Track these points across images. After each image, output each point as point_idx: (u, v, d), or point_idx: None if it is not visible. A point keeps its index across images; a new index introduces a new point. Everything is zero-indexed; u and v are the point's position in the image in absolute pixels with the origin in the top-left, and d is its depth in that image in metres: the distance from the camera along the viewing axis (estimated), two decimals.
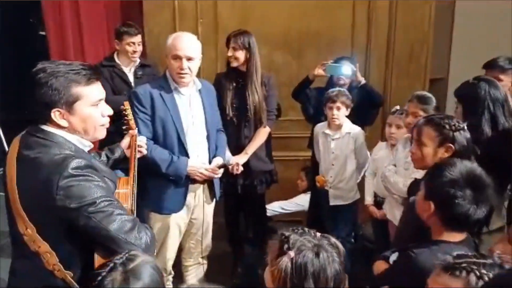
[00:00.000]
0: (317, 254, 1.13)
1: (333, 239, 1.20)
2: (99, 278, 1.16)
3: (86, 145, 1.53)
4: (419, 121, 1.91)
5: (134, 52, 3.26)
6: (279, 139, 3.59)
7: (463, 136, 1.78)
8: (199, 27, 3.63)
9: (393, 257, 1.59)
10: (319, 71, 3.03)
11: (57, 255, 1.42)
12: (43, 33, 3.20)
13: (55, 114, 1.43)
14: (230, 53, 2.80)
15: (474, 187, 1.42)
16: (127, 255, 1.22)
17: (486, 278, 1.04)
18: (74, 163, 1.37)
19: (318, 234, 1.19)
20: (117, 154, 1.96)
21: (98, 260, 1.42)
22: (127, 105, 2.05)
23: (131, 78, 3.30)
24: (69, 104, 1.43)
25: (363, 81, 3.08)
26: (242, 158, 2.84)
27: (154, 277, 1.18)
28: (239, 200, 3.05)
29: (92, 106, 1.48)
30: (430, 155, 1.80)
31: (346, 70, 3.01)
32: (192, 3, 3.62)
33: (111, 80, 3.18)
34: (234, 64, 2.81)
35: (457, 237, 1.46)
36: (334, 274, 1.14)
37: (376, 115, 3.36)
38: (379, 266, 1.63)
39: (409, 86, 3.73)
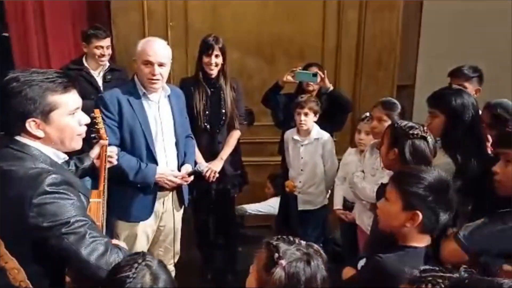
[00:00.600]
0: (307, 263, 1.18)
1: (316, 246, 1.23)
2: (129, 280, 1.18)
3: (61, 157, 1.47)
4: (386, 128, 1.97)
5: (102, 55, 3.17)
6: (250, 144, 3.60)
7: (416, 144, 1.83)
8: (169, 30, 3.59)
9: (361, 262, 1.62)
10: (288, 77, 3.06)
11: (25, 272, 1.35)
12: (5, 34, 3.07)
13: (30, 124, 1.37)
14: (212, 60, 2.75)
15: (443, 192, 1.47)
16: (146, 258, 1.24)
17: None
18: (50, 179, 1.32)
19: (303, 242, 1.22)
20: (86, 163, 1.90)
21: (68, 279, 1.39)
22: (97, 113, 1.98)
23: (99, 82, 3.21)
24: (45, 114, 1.38)
25: (331, 87, 3.12)
26: (218, 165, 2.84)
27: (169, 274, 1.25)
28: (211, 205, 3.03)
29: (69, 115, 1.43)
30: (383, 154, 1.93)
31: (314, 76, 3.04)
32: (162, 6, 3.58)
33: (78, 84, 3.07)
34: (214, 71, 2.78)
35: (424, 241, 1.49)
36: (322, 280, 1.19)
37: (345, 121, 3.40)
38: (347, 272, 1.67)
39: (378, 92, 3.80)
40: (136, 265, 1.21)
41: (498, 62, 3.63)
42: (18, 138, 1.39)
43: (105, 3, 3.55)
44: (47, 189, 1.30)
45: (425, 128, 1.89)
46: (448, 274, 1.11)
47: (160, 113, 2.39)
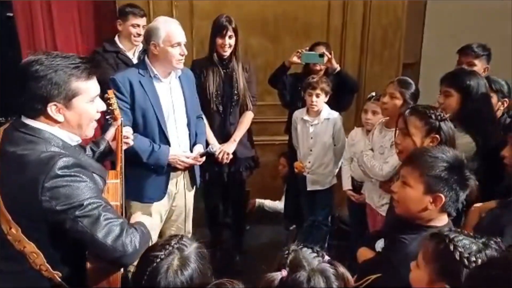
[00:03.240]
0: (308, 279, 1.07)
1: (342, 269, 1.12)
2: (158, 260, 1.20)
3: (74, 140, 1.47)
4: (404, 111, 1.94)
5: (138, 35, 3.03)
6: (255, 123, 3.58)
7: (447, 126, 1.83)
8: (174, 10, 3.54)
9: (380, 243, 1.62)
10: (294, 58, 3.05)
11: (44, 255, 1.37)
12: (10, 14, 3.01)
13: (51, 108, 1.37)
14: (226, 41, 2.73)
15: (461, 171, 1.48)
16: (181, 241, 1.26)
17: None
18: (61, 162, 1.32)
19: (327, 258, 1.13)
20: (102, 146, 1.90)
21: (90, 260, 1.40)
22: (111, 93, 1.96)
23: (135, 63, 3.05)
24: (68, 99, 1.38)
25: (338, 68, 3.12)
26: (230, 146, 2.85)
27: (202, 261, 1.25)
28: (223, 187, 3.05)
29: (90, 101, 1.44)
30: (417, 145, 1.83)
31: (321, 57, 3.03)
32: None
33: (116, 67, 2.96)
34: (227, 52, 2.76)
35: (444, 220, 1.50)
36: None
37: (351, 101, 3.41)
38: (364, 253, 1.66)
39: (383, 70, 3.81)
40: (168, 246, 1.23)
41: (504, 40, 3.62)
42: (28, 121, 1.39)
43: None
44: (59, 172, 1.30)
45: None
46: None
47: (172, 94, 2.40)
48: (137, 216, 1.69)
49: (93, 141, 1.93)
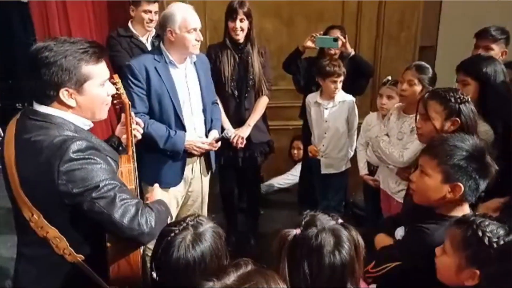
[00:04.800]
0: (317, 235, 1.13)
1: (354, 233, 1.17)
2: (172, 234, 1.23)
3: (86, 124, 1.48)
4: (424, 95, 1.91)
5: (150, 20, 3.05)
6: (269, 108, 3.56)
7: (468, 108, 1.79)
8: None
9: (400, 231, 1.61)
10: (308, 43, 3.02)
11: (66, 239, 1.39)
12: (24, 0, 3.02)
13: (63, 94, 1.38)
14: (236, 25, 2.71)
15: (481, 159, 1.45)
16: (197, 219, 1.29)
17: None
18: (75, 145, 1.33)
19: (340, 220, 1.19)
20: (112, 142, 1.87)
21: (109, 241, 1.42)
22: (116, 78, 1.93)
23: (149, 48, 3.09)
24: (80, 84, 1.39)
25: (352, 52, 3.08)
26: (245, 131, 2.85)
27: (217, 240, 1.27)
28: (238, 172, 3.07)
29: (100, 85, 1.44)
30: (437, 129, 1.81)
31: (335, 41, 2.99)
32: None
33: (130, 51, 2.99)
34: (240, 36, 2.74)
35: (465, 209, 1.49)
36: (332, 264, 1.12)
37: (366, 85, 3.37)
38: (383, 240, 1.65)
39: (399, 54, 3.76)
40: (183, 223, 1.26)
41: None
42: (40, 108, 1.40)
43: None
44: (73, 156, 1.31)
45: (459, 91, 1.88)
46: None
47: (187, 80, 2.39)
48: (156, 194, 1.70)
49: (105, 140, 1.91)
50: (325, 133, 3.01)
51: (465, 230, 1.21)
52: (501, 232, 1.17)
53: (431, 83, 2.39)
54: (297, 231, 1.15)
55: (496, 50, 2.70)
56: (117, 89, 1.91)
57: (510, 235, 1.17)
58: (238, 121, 2.88)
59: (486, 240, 1.16)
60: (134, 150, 1.83)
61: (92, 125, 1.52)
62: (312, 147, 3.08)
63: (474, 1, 3.75)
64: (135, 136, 1.92)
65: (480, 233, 1.17)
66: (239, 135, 2.82)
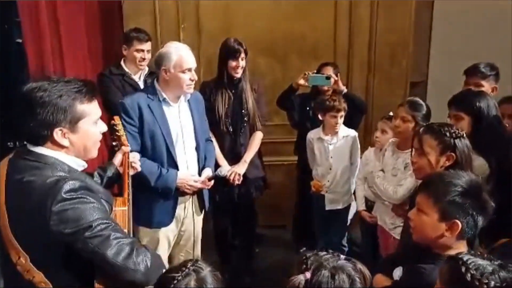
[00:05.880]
0: (332, 276, 1.11)
1: (359, 265, 1.17)
2: (175, 281, 1.23)
3: (80, 164, 1.47)
4: (419, 130, 1.91)
5: (143, 59, 3.07)
6: (264, 144, 3.57)
7: (463, 143, 1.79)
8: (181, 32, 3.57)
9: (397, 272, 1.58)
10: (301, 81, 3.06)
11: (53, 284, 1.35)
12: (19, 40, 3.04)
13: (57, 134, 1.38)
14: (239, 63, 2.77)
15: (477, 195, 1.43)
16: (196, 264, 1.29)
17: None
18: (68, 185, 1.32)
19: (342, 256, 1.17)
20: (110, 172, 1.88)
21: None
22: (117, 119, 1.97)
23: (142, 86, 3.08)
24: (74, 123, 1.40)
25: (344, 89, 3.11)
26: (242, 168, 2.84)
27: (218, 284, 1.29)
28: (233, 208, 3.02)
29: (93, 123, 1.46)
30: (432, 164, 1.80)
31: (327, 79, 3.03)
32: (173, 7, 3.54)
33: (123, 89, 2.99)
34: (239, 73, 2.79)
35: (463, 247, 1.46)
36: None
37: (360, 121, 3.39)
38: (380, 281, 1.61)
39: (391, 89, 3.78)
40: (184, 268, 1.25)
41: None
42: (33, 148, 1.39)
43: (117, 6, 3.52)
44: (65, 196, 1.30)
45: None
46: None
47: (181, 118, 2.39)
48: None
49: (101, 166, 1.92)
50: (330, 168, 3.00)
51: (451, 266, 1.19)
52: (488, 269, 1.13)
53: (425, 119, 2.40)
54: (306, 275, 1.12)
55: (486, 86, 2.71)
56: (117, 130, 1.93)
57: (495, 274, 1.12)
58: (233, 157, 2.87)
59: (468, 276, 1.12)
60: (131, 192, 1.81)
61: (86, 166, 1.51)
62: (315, 182, 3.05)
63: (463, 37, 3.83)
64: (134, 168, 1.94)
65: (463, 269, 1.14)
66: (236, 171, 2.79)
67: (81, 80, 1.46)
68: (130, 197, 1.78)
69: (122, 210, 1.64)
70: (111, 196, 1.61)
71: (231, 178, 2.78)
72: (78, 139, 1.42)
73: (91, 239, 1.31)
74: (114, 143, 1.97)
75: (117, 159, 1.95)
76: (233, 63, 2.76)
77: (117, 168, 1.93)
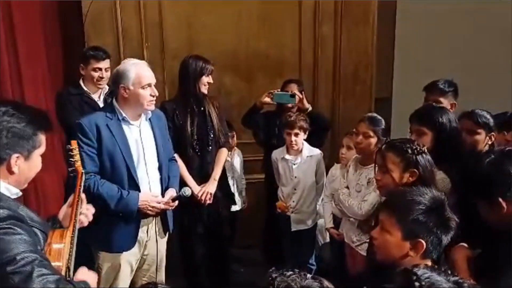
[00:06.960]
0: None
1: (326, 283, 1.12)
2: None
3: (13, 192, 1.42)
4: (381, 147, 1.92)
5: (101, 78, 2.94)
6: None
7: (425, 159, 1.80)
8: (145, 51, 3.53)
9: None
10: (266, 99, 3.06)
11: None
12: None
13: (13, 159, 1.37)
14: (210, 80, 2.78)
15: (441, 212, 1.42)
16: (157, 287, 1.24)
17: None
18: None
19: (309, 275, 1.13)
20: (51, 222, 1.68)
21: None
22: (74, 144, 1.88)
23: (101, 106, 2.93)
24: (31, 151, 1.41)
25: (309, 107, 3.12)
26: (211, 186, 2.79)
27: None
28: (204, 229, 2.92)
29: (40, 155, 1.46)
30: (396, 181, 1.80)
31: (292, 97, 3.04)
32: (136, 26, 3.51)
33: (81, 109, 2.85)
34: (206, 90, 2.78)
35: (428, 263, 1.43)
36: None
37: (325, 139, 3.41)
38: None
39: (356, 106, 3.83)
40: None
41: (472, 72, 3.72)
42: None
43: (79, 26, 3.45)
44: None
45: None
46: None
47: (142, 137, 2.32)
48: (81, 273, 1.53)
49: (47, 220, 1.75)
50: (295, 189, 2.97)
51: (403, 280, 1.12)
52: (444, 286, 1.07)
53: (384, 134, 2.43)
54: None
55: (445, 103, 2.74)
56: (72, 156, 1.85)
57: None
58: (201, 176, 2.81)
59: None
60: (77, 224, 1.64)
61: (20, 193, 1.46)
62: (281, 203, 3.01)
63: (427, 53, 3.94)
64: (81, 222, 1.72)
65: (417, 285, 1.08)
66: (207, 191, 2.74)
67: (41, 110, 1.52)
68: (76, 229, 1.60)
69: (57, 248, 1.48)
70: (48, 224, 1.52)
71: (203, 198, 2.72)
72: (27, 168, 1.42)
73: (12, 275, 1.23)
74: (70, 168, 1.88)
75: (61, 212, 1.72)
76: (206, 79, 2.75)
77: (60, 222, 1.70)
